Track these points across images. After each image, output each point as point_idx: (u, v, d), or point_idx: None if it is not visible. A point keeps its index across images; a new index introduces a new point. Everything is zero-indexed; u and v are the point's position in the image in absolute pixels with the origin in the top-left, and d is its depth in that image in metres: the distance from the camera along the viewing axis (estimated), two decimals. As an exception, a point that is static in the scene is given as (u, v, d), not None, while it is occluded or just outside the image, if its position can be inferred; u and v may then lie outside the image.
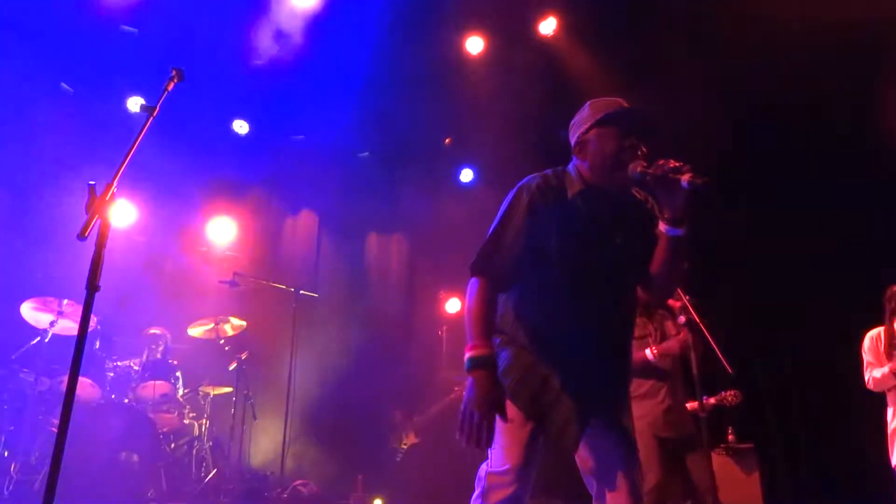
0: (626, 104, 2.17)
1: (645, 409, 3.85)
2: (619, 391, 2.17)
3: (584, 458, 2.14)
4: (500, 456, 2.02)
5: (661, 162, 1.95)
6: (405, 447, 6.11)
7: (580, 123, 2.22)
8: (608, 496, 2.05)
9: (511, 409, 2.01)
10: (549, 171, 2.20)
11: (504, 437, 2.02)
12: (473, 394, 1.94)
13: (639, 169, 1.99)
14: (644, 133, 2.10)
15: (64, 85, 6.45)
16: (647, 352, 3.86)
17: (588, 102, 2.24)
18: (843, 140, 5.66)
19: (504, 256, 2.09)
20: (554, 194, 2.12)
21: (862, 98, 5.45)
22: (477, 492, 2.08)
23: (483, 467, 2.10)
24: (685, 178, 1.89)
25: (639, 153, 2.05)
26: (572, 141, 2.22)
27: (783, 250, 5.80)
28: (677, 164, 1.94)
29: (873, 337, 4.01)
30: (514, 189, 2.17)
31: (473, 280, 2.12)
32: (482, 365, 1.97)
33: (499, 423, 1.99)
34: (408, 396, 6.60)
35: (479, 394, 1.93)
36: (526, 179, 2.18)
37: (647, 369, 3.90)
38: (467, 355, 2.00)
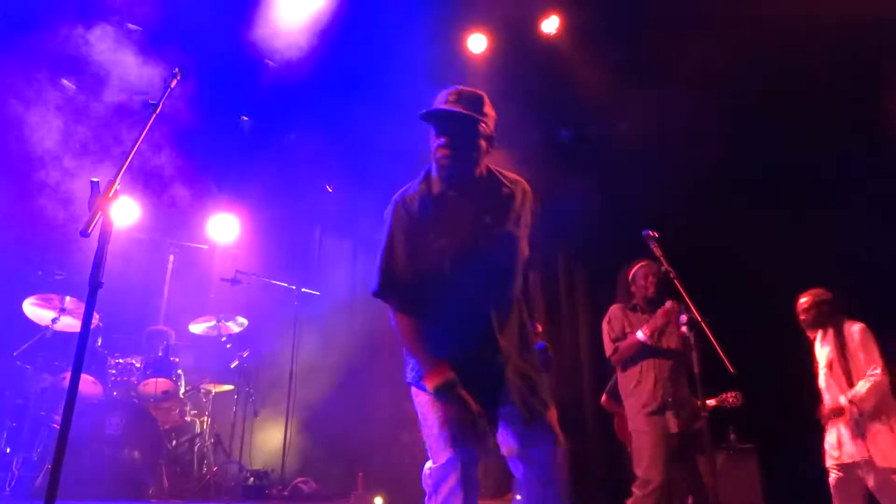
0: (449, 92, 2.16)
1: (644, 399, 3.83)
2: (508, 368, 2.12)
3: (505, 444, 2.16)
4: (438, 451, 2.06)
5: None
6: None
7: None
8: (530, 481, 2.10)
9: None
10: (416, 179, 2.27)
11: (439, 432, 2.07)
12: (451, 411, 2.02)
13: None
14: (453, 128, 2.12)
15: (65, 81, 6.45)
16: (639, 333, 3.87)
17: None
18: (845, 140, 5.65)
19: (400, 273, 2.13)
20: (418, 200, 2.17)
21: (865, 97, 5.44)
22: (427, 492, 2.09)
23: (426, 466, 2.12)
24: None
25: (442, 149, 2.12)
26: None
27: (785, 250, 5.79)
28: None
29: None
30: (389, 206, 2.25)
31: (389, 308, 2.18)
32: (452, 387, 2.01)
33: (432, 419, 2.07)
34: (409, 394, 6.60)
35: (459, 409, 2.01)
36: (397, 194, 2.26)
37: (644, 352, 3.89)
38: (433, 384, 2.03)
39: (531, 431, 2.08)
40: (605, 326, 4.13)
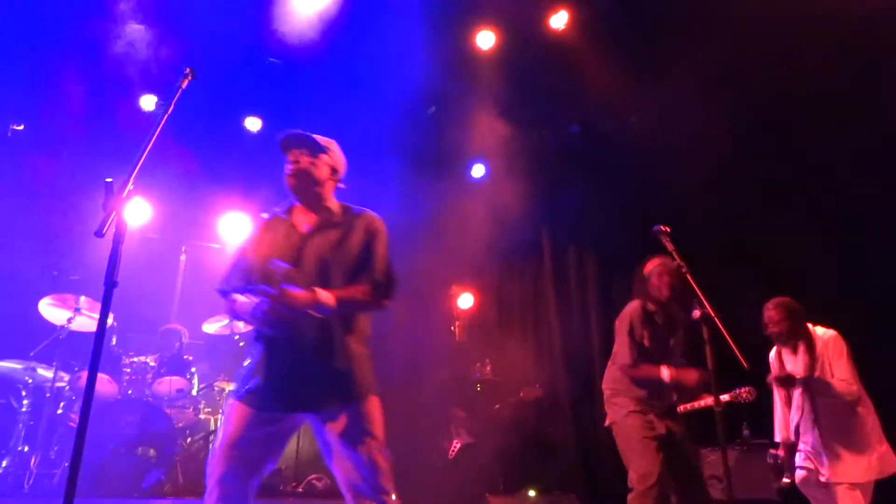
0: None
1: (632, 406, 3.78)
2: (327, 390, 2.43)
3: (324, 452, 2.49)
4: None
5: None
6: (458, 446, 6.01)
7: None
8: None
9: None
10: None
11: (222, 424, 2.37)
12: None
13: None
14: (298, 149, 2.50)
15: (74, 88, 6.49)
16: (664, 372, 3.70)
17: None
18: (846, 139, 5.61)
19: (229, 275, 2.59)
20: (275, 223, 2.55)
21: (864, 96, 5.40)
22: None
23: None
24: None
25: (290, 167, 2.50)
26: None
27: (790, 248, 5.76)
28: None
29: None
30: None
31: None
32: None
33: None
34: (418, 393, 6.61)
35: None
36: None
37: (658, 386, 3.79)
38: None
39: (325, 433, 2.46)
40: (623, 327, 3.87)
